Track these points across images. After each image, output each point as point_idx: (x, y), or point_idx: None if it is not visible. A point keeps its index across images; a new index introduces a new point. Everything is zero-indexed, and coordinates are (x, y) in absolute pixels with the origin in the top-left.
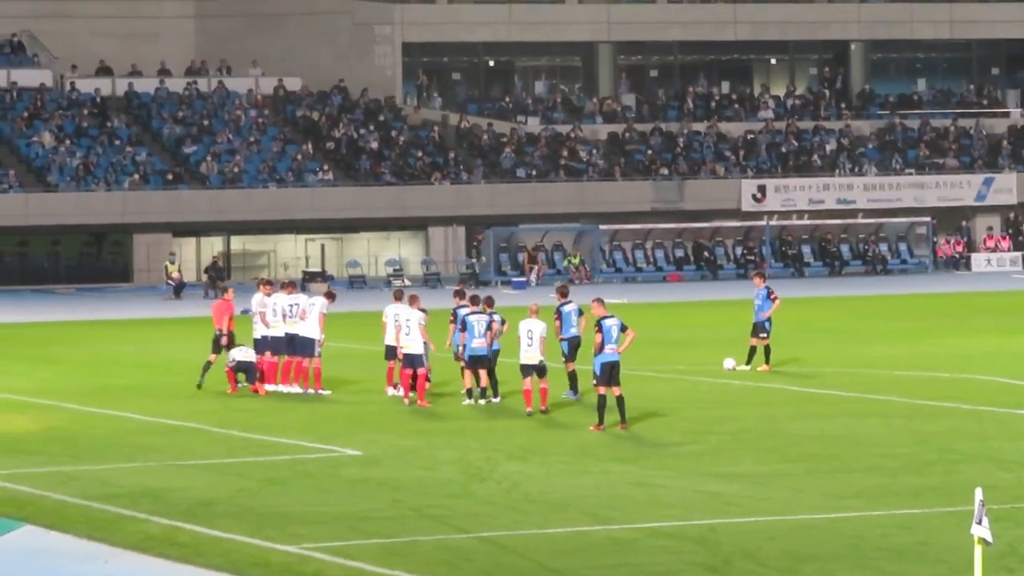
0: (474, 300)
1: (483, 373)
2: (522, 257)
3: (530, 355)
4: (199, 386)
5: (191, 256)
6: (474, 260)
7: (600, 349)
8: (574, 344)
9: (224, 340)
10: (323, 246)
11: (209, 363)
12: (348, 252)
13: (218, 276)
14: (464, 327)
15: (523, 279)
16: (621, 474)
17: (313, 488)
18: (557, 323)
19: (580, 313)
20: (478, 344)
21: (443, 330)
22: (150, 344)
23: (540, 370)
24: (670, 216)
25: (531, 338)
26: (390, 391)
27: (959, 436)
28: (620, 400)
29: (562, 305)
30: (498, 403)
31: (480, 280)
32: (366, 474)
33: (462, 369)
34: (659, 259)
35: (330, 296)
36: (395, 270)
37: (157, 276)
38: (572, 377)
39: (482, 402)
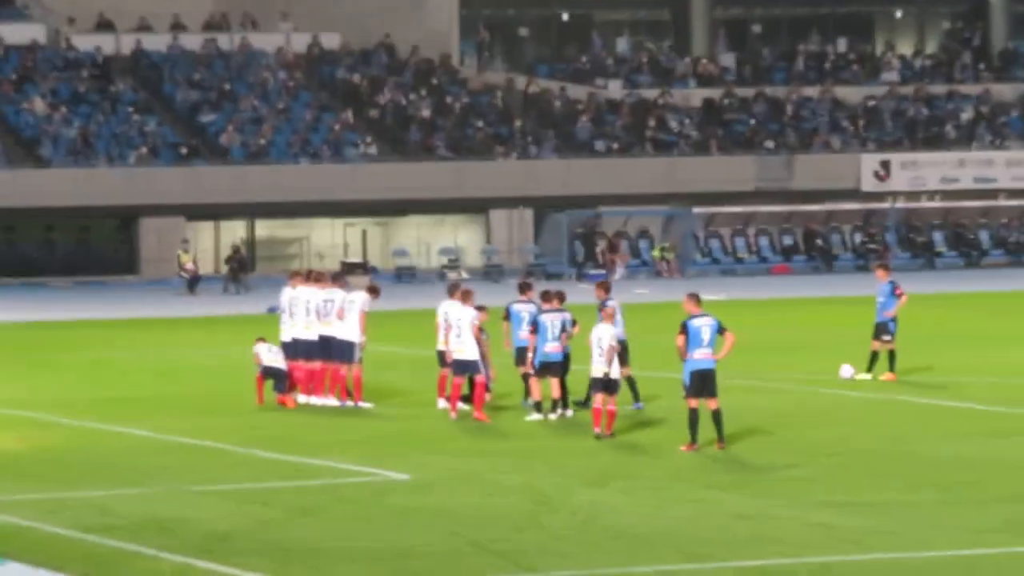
0: (546, 296)
1: (555, 383)
2: (601, 246)
3: (598, 367)
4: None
5: (208, 244)
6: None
7: (685, 354)
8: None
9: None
10: (365, 232)
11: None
12: (395, 239)
13: (241, 268)
14: (535, 328)
15: (601, 272)
16: (718, 503)
17: (352, 518)
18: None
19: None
20: (552, 348)
21: (498, 330)
22: (160, 348)
23: (607, 385)
24: (777, 197)
25: (601, 347)
26: (443, 404)
27: None
28: (717, 415)
29: (606, 302)
30: (571, 417)
31: (550, 273)
32: (416, 502)
33: (524, 377)
34: (763, 248)
35: (373, 291)
36: (450, 260)
37: (168, 268)
38: (630, 384)
39: (553, 416)
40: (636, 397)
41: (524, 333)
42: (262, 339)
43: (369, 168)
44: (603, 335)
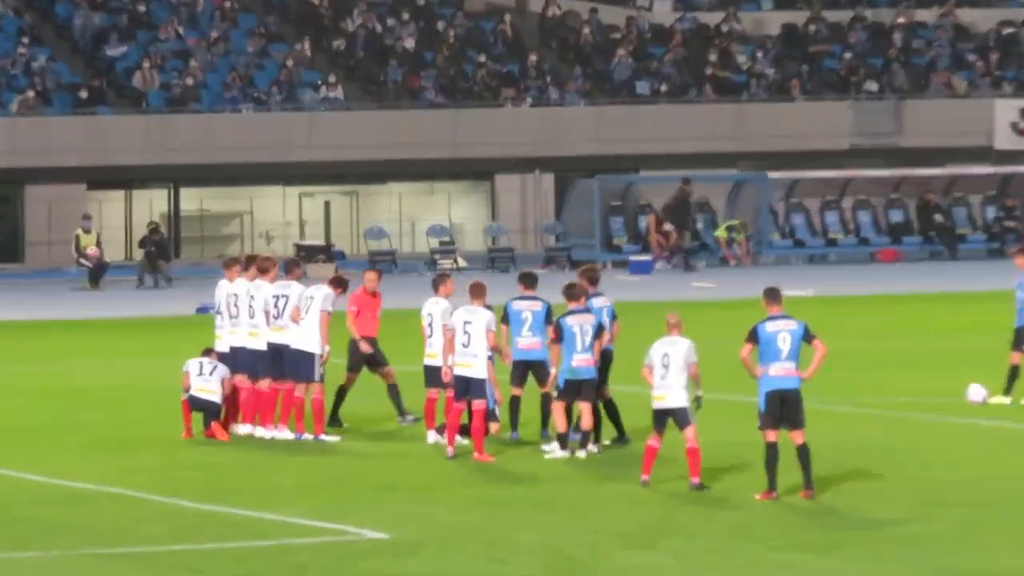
0: (571, 292)
1: (586, 408)
2: (645, 223)
3: (660, 394)
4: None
5: (118, 221)
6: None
7: (756, 370)
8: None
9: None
10: (328, 205)
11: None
12: (368, 215)
13: (160, 253)
14: (559, 335)
15: (647, 258)
16: (809, 570)
17: None
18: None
19: (614, 316)
20: (582, 362)
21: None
22: (53, 361)
23: (679, 418)
24: (881, 158)
25: (666, 365)
26: (432, 436)
27: None
28: (803, 452)
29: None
30: (599, 453)
31: (576, 260)
32: (395, 570)
33: (544, 398)
34: (863, 226)
35: (338, 284)
36: (442, 243)
37: (63, 253)
38: (609, 412)
39: (581, 454)
40: (620, 431)
41: (528, 341)
42: (208, 352)
43: (333, 118)
44: (673, 351)
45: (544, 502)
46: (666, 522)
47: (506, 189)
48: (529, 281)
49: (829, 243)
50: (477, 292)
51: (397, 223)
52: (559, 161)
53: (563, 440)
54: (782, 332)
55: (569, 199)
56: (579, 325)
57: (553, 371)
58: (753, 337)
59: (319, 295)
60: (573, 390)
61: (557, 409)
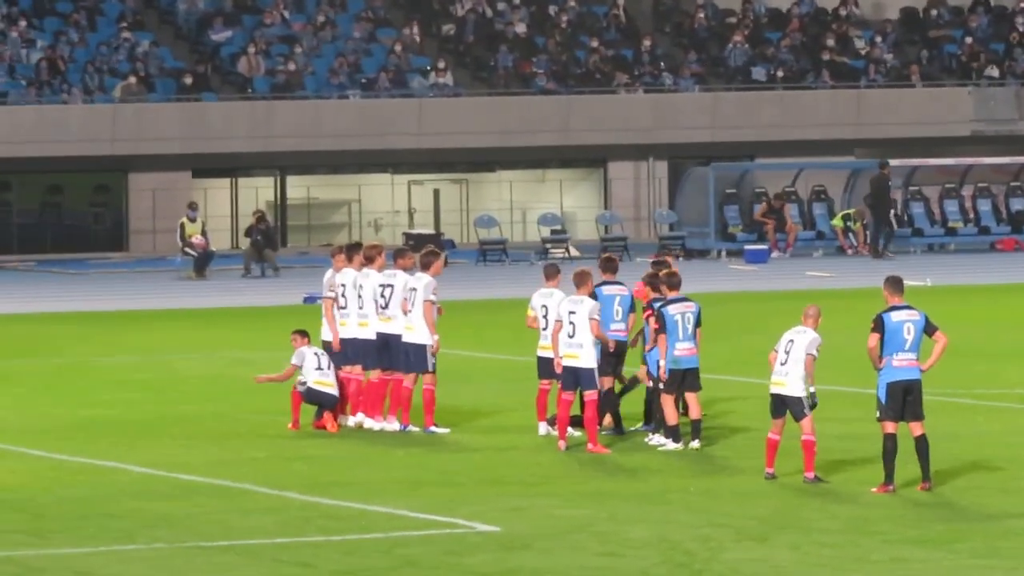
0: (671, 281)
1: (693, 399)
2: (760, 211)
3: (779, 379)
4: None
5: (223, 209)
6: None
7: (880, 361)
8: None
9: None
10: (437, 193)
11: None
12: (478, 203)
13: (267, 242)
14: (662, 324)
15: (763, 247)
16: (923, 565)
17: None
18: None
19: (631, 306)
20: (685, 351)
21: None
22: (157, 352)
23: (794, 408)
24: (1002, 144)
25: (788, 351)
26: (543, 428)
27: None
28: (921, 444)
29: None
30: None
31: (691, 249)
32: (506, 564)
33: (650, 392)
34: (984, 215)
35: (430, 260)
36: (554, 232)
37: (168, 241)
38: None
39: (695, 444)
40: (617, 422)
41: (621, 326)
42: (304, 333)
43: (442, 105)
44: (796, 337)
45: (657, 495)
46: (780, 515)
47: (619, 176)
48: (609, 266)
49: (948, 232)
50: (581, 281)
51: (508, 212)
52: (673, 148)
53: (675, 432)
54: (907, 322)
55: (683, 187)
56: (680, 314)
57: (661, 362)
58: (879, 327)
59: (420, 284)
60: (677, 380)
61: (667, 402)
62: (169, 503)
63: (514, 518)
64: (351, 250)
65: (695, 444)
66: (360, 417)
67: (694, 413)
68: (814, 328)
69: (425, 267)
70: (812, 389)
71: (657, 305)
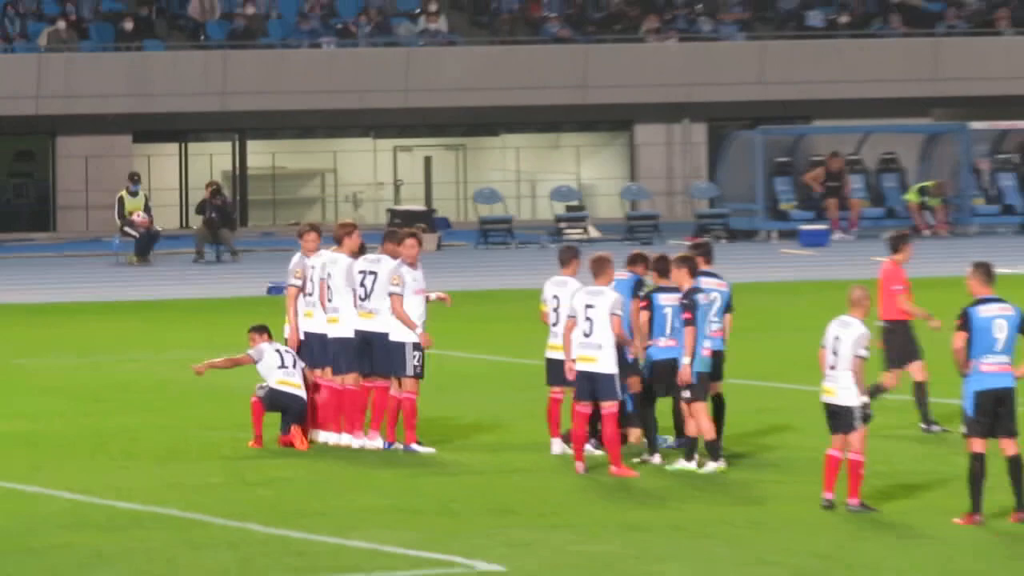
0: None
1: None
2: (815, 174)
3: (829, 386)
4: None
5: (171, 181)
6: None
7: (967, 365)
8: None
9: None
10: (428, 161)
11: None
12: (478, 174)
13: (224, 220)
14: (691, 315)
15: (823, 227)
16: None
17: None
18: (644, 319)
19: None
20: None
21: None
22: (90, 354)
23: (843, 419)
24: None
25: (836, 352)
26: (557, 446)
27: None
28: (1015, 466)
29: (658, 292)
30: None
31: (734, 230)
32: None
33: (678, 402)
34: None
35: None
36: (569, 209)
37: (104, 220)
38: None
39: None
40: (651, 445)
41: (669, 341)
42: (262, 330)
43: (434, 56)
44: (841, 332)
45: (695, 527)
46: (845, 553)
47: (648, 142)
48: (664, 267)
49: None
50: (600, 268)
51: (514, 184)
52: (713, 108)
53: (714, 449)
54: (998, 319)
55: (725, 155)
56: (707, 305)
57: (685, 361)
58: (965, 324)
59: (409, 275)
60: (706, 383)
61: (700, 412)
62: (105, 536)
63: (522, 555)
64: (345, 230)
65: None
66: (333, 434)
67: (692, 429)
68: (862, 318)
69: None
70: (864, 400)
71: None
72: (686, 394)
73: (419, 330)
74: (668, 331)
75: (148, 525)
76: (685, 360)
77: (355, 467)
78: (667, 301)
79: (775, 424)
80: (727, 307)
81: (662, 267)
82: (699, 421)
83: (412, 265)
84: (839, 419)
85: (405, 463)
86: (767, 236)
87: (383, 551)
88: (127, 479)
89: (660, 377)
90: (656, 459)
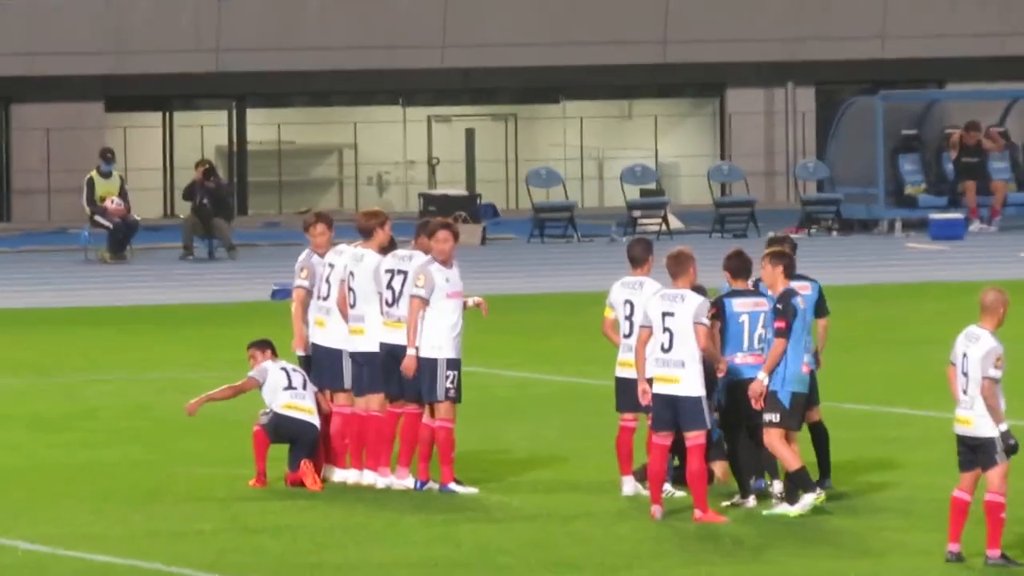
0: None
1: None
2: (950, 160)
3: (963, 415)
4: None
5: (152, 159)
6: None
7: None
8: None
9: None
10: (471, 135)
11: None
12: (532, 150)
13: (217, 207)
14: (786, 323)
15: (958, 216)
16: None
17: None
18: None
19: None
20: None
21: None
22: (53, 374)
23: (982, 453)
24: None
25: (966, 373)
26: (629, 486)
27: None
28: None
29: (731, 296)
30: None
31: (847, 220)
32: None
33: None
34: None
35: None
36: (645, 193)
37: (70, 206)
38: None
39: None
40: (743, 486)
41: (749, 356)
42: (264, 345)
43: (479, 4)
44: (969, 348)
45: None
46: None
47: (742, 110)
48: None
49: None
50: (679, 267)
51: (576, 163)
52: (822, 68)
53: (804, 481)
54: None
55: (838, 126)
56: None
57: (761, 375)
58: None
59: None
60: (802, 410)
61: (778, 440)
62: None
63: None
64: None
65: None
66: (354, 472)
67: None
68: (993, 329)
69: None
70: (1003, 428)
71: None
72: (771, 417)
73: (412, 351)
74: (746, 344)
75: None
76: (762, 375)
77: (380, 512)
78: (742, 307)
79: (895, 459)
80: (817, 312)
81: (735, 266)
82: (775, 449)
83: (445, 263)
84: (978, 454)
85: (440, 507)
86: (889, 227)
87: None
88: (99, 526)
89: (742, 402)
90: (750, 502)
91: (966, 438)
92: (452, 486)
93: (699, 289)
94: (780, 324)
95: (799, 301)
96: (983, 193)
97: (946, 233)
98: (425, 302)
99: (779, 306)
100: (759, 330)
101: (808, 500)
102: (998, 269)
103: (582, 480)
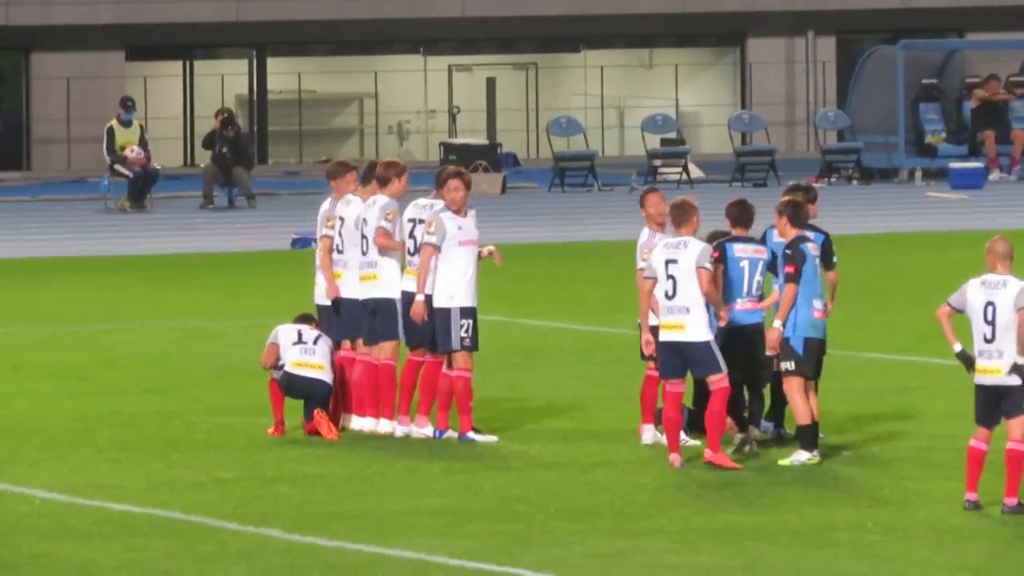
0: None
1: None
2: (969, 110)
3: (990, 365)
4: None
5: (172, 107)
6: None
7: None
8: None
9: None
10: (492, 84)
11: None
12: (553, 100)
13: (238, 157)
14: (795, 268)
15: (979, 165)
16: None
17: None
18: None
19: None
20: (822, 315)
21: None
22: (73, 322)
23: (1010, 401)
24: None
25: (990, 321)
26: (649, 434)
27: None
28: None
29: (733, 241)
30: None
31: (867, 169)
32: None
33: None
34: None
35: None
36: (666, 142)
37: (90, 155)
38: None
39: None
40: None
41: (747, 303)
42: (306, 319)
43: None
44: (995, 296)
45: (815, 534)
46: (1002, 566)
47: (762, 60)
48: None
49: None
50: (683, 216)
51: (597, 112)
52: (843, 17)
53: (806, 438)
54: None
55: (859, 76)
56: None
57: (778, 324)
58: None
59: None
60: (816, 355)
61: (794, 389)
62: (91, 546)
63: (605, 568)
64: (369, 171)
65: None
66: (371, 420)
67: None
68: (1008, 272)
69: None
70: (1021, 361)
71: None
72: (787, 365)
73: (420, 297)
74: (745, 290)
75: (144, 531)
76: (777, 323)
77: (398, 461)
78: (743, 253)
79: (915, 408)
80: (824, 264)
81: (736, 213)
82: (791, 399)
83: (459, 212)
84: (1003, 402)
85: (459, 456)
86: (910, 176)
87: (432, 562)
88: (118, 475)
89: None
90: (751, 436)
91: (991, 387)
92: (471, 435)
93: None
94: (790, 269)
95: (810, 247)
96: (1003, 142)
97: (966, 182)
98: (436, 249)
99: (788, 251)
100: (757, 277)
101: (802, 457)
102: (1019, 218)
103: (601, 429)
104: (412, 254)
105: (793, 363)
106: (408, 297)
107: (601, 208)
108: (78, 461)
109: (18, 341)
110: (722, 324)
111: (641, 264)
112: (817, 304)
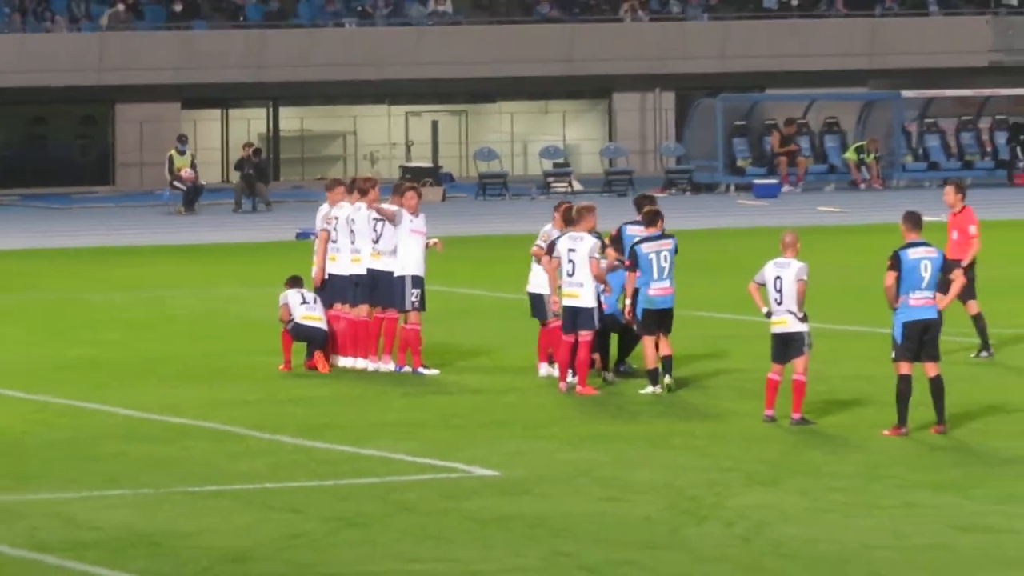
0: (650, 216)
1: (665, 339)
2: (770, 143)
3: (780, 319)
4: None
5: (214, 141)
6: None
7: (896, 300)
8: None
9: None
10: (435, 125)
11: None
12: (478, 136)
13: (259, 175)
14: (635, 263)
15: (774, 181)
16: (937, 510)
17: (415, 532)
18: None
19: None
20: (661, 291)
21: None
22: (144, 290)
23: (794, 344)
24: (1021, 75)
25: (779, 290)
26: (543, 369)
27: None
28: (936, 385)
29: (641, 242)
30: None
31: (698, 184)
32: (506, 509)
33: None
34: (1002, 148)
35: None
36: (556, 165)
37: (156, 175)
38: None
39: (667, 379)
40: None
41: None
42: (296, 281)
43: (441, 34)
44: (786, 275)
45: (661, 439)
46: (789, 460)
47: (624, 108)
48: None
49: (965, 166)
50: (581, 216)
51: (509, 144)
52: (681, 79)
53: (653, 376)
54: (924, 260)
55: (691, 119)
56: (656, 252)
57: (628, 301)
58: (896, 264)
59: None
60: (654, 321)
61: (646, 344)
62: (156, 446)
63: (514, 462)
64: (353, 184)
65: (667, 379)
66: (351, 359)
67: (665, 350)
68: (794, 257)
69: (580, 219)
70: (805, 328)
71: (633, 242)
72: (636, 327)
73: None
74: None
75: (194, 437)
76: (628, 301)
77: (370, 387)
78: (650, 249)
79: (728, 350)
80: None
81: (649, 219)
82: (645, 349)
83: (412, 213)
84: (792, 345)
85: (413, 383)
86: (726, 189)
87: (394, 459)
88: (176, 398)
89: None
90: (609, 376)
91: (783, 335)
92: (420, 370)
93: (598, 234)
94: (628, 263)
95: (641, 246)
96: (791, 166)
97: (766, 193)
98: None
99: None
100: (663, 264)
101: (650, 389)
102: (802, 218)
103: (512, 365)
104: (375, 242)
105: (636, 326)
106: (371, 273)
107: (511, 211)
108: (147, 388)
109: (105, 303)
110: (607, 295)
111: (540, 243)
112: (653, 286)
